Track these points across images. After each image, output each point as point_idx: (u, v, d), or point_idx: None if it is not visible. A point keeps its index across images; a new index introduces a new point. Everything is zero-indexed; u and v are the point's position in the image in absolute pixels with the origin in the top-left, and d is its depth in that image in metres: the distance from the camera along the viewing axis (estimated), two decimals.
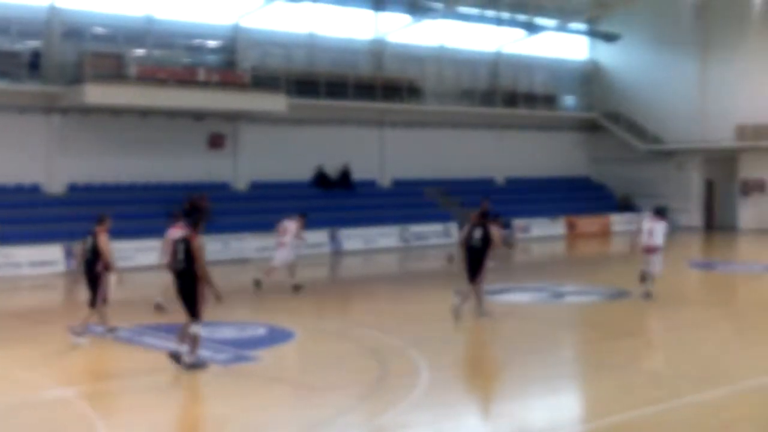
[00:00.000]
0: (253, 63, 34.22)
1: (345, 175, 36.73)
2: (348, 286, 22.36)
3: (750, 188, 41.03)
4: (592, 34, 46.16)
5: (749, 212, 41.28)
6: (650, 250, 18.86)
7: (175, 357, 12.35)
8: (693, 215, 42.84)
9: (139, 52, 32.14)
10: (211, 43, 34.66)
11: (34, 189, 29.95)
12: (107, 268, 14.57)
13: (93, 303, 14.67)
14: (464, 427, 10.21)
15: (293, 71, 35.23)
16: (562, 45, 46.02)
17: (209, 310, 13.06)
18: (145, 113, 31.69)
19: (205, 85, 31.49)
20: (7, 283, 23.97)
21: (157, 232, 28.65)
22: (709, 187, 43.57)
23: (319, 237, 31.94)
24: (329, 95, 35.76)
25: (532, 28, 43.11)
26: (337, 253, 32.30)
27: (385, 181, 38.78)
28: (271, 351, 14.10)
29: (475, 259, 16.75)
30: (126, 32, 31.95)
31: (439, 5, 39.48)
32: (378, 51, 38.80)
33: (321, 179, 36.13)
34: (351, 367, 12.95)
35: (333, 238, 32.62)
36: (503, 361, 13.58)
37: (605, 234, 40.80)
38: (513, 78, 43.76)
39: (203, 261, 12.25)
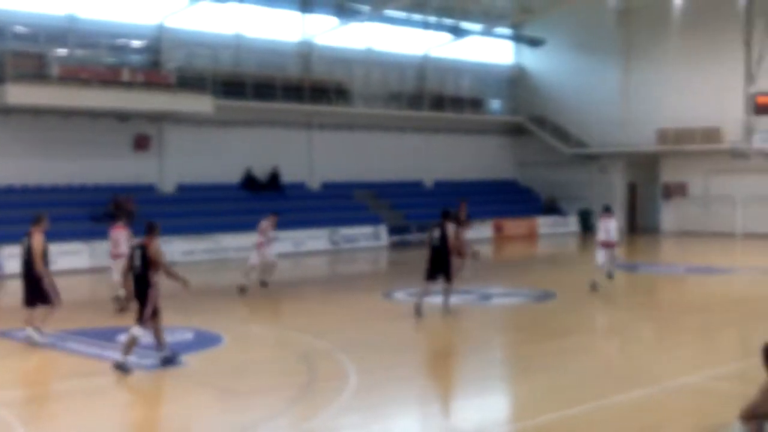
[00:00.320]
0: (178, 63, 33.82)
1: (274, 178, 36.53)
2: (277, 290, 22.20)
3: (671, 191, 42.01)
4: (517, 39, 46.77)
5: (671, 215, 42.27)
6: (607, 245, 21.48)
7: (169, 360, 12.76)
8: (616, 218, 43.59)
9: (62, 51, 31.53)
10: (136, 43, 34.13)
11: None
12: (39, 268, 14.33)
13: (29, 302, 14.42)
14: (393, 429, 10.22)
15: (220, 72, 34.94)
16: (489, 49, 46.53)
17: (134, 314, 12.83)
18: (68, 114, 31.05)
19: (130, 85, 31.02)
20: None
21: (81, 235, 28.35)
22: (632, 191, 44.51)
23: (247, 240, 31.65)
24: (257, 97, 35.54)
25: (458, 32, 43.48)
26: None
27: (314, 183, 38.67)
28: (199, 356, 13.92)
29: (436, 258, 17.35)
30: (48, 31, 31.29)
31: (366, 8, 39.56)
32: (306, 53, 38.70)
33: (249, 181, 35.86)
34: (279, 371, 12.87)
35: None
36: (431, 364, 13.64)
37: (532, 236, 41.35)
38: (440, 81, 44.09)
39: (164, 262, 12.64)
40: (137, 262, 12.55)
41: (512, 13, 44.87)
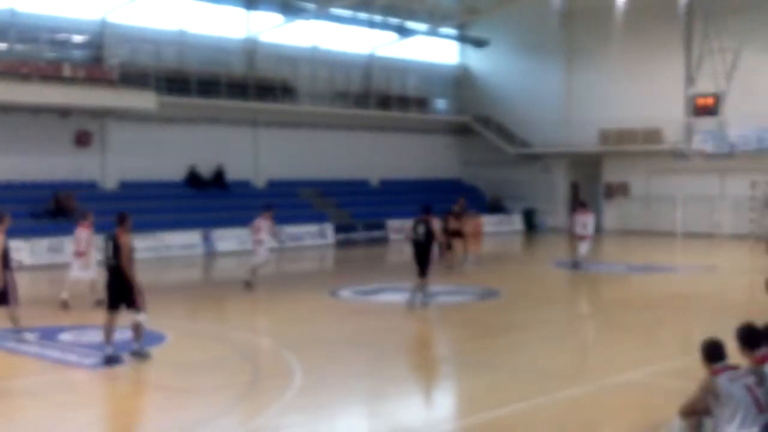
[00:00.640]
0: (121, 59, 33.38)
1: (219, 175, 36.25)
2: (222, 288, 22.03)
3: (613, 191, 42.61)
4: (462, 39, 47.07)
5: (613, 214, 42.86)
6: (582, 237, 24.21)
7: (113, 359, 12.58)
8: (559, 217, 44.19)
9: (2, 46, 30.95)
10: (77, 38, 33.58)
11: None
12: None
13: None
14: (338, 427, 10.20)
15: (163, 68, 34.58)
16: (434, 49, 46.73)
17: (77, 312, 12.65)
18: (8, 109, 30.42)
19: (71, 81, 30.56)
20: None
21: (21, 232, 27.77)
22: (575, 190, 45.03)
23: (191, 238, 31.43)
24: (201, 94, 35.24)
25: (403, 31, 43.61)
26: (211, 254, 31.82)
27: (259, 181, 38.46)
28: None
29: (420, 253, 18.09)
30: None
31: (312, 6, 39.47)
32: (250, 50, 38.48)
33: (194, 179, 35.54)
34: (224, 369, 12.77)
35: (206, 239, 32.11)
36: (377, 361, 13.65)
37: (477, 235, 41.55)
38: (386, 80, 44.16)
39: (127, 256, 12.56)
40: (110, 252, 12.66)
41: (457, 13, 45.13)
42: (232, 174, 36.69)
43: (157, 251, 30.14)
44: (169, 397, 11.42)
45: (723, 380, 7.23)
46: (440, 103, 47.95)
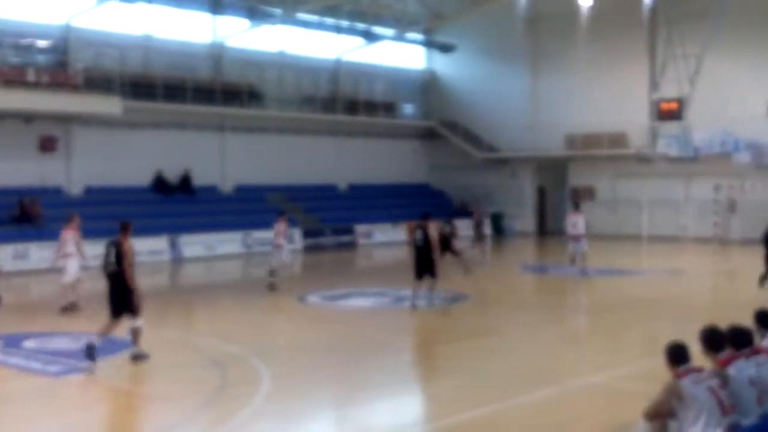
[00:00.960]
0: (86, 64, 33.05)
1: (185, 181, 36.03)
2: (189, 294, 21.90)
3: (579, 195, 42.85)
4: (429, 44, 47.21)
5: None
6: (576, 237, 24.72)
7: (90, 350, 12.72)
8: (526, 221, 44.45)
9: None
10: (41, 43, 33.20)
11: None
12: None
13: None
14: None
15: (128, 73, 34.32)
16: (401, 54, 46.82)
17: (43, 319, 12.53)
18: None
19: (35, 85, 30.22)
20: None
21: None
22: (541, 194, 45.31)
23: (158, 244, 31.20)
24: (167, 99, 35.00)
25: (370, 36, 43.66)
26: (177, 260, 31.63)
27: (226, 186, 38.30)
28: (107, 361, 13.62)
29: (420, 257, 18.73)
30: None
31: (278, 11, 39.38)
32: (217, 55, 38.33)
33: (160, 184, 35.30)
34: (191, 376, 12.69)
35: (173, 245, 31.91)
36: (345, 367, 13.64)
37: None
38: (353, 86, 44.17)
39: (130, 263, 13.05)
40: (111, 258, 13.02)
41: (423, 18, 45.26)
42: (199, 179, 36.50)
43: None
44: (135, 404, 11.34)
45: (687, 383, 7.30)
46: (407, 108, 48.05)
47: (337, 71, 43.47)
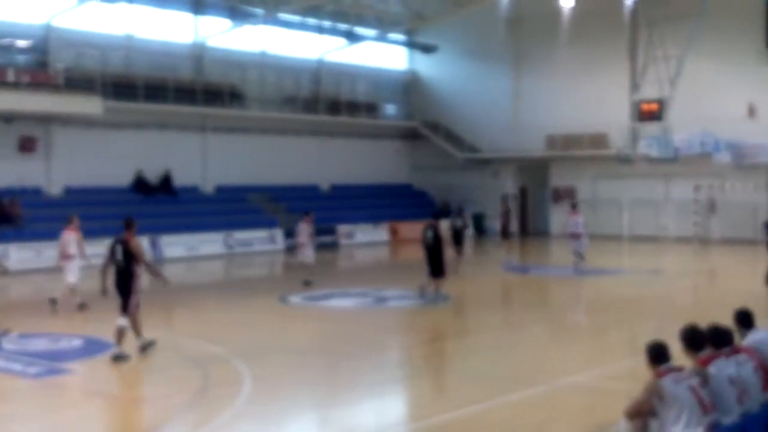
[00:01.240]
0: (66, 64, 32.85)
1: (166, 181, 35.89)
2: (170, 295, 21.76)
3: (560, 195, 43.04)
4: (411, 45, 47.25)
5: (560, 218, 43.19)
6: (576, 236, 25.76)
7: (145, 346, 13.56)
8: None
9: None
10: (22, 43, 32.93)
11: None
12: None
13: None
14: None
15: (109, 73, 34.12)
16: (383, 55, 46.83)
17: (22, 320, 12.44)
18: None
19: (15, 86, 30.01)
20: None
21: None
22: (523, 195, 45.43)
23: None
24: (148, 99, 34.83)
25: (352, 37, 43.65)
26: (159, 260, 31.41)
27: (207, 187, 38.17)
28: (87, 363, 13.58)
29: (431, 255, 19.45)
30: None
31: (260, 11, 39.29)
32: (198, 55, 38.19)
33: (141, 185, 35.14)
34: (172, 377, 12.64)
35: (154, 245, 31.74)
36: (327, 368, 13.63)
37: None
38: (335, 86, 44.12)
39: (144, 256, 13.65)
40: (119, 256, 13.33)
41: (406, 19, 45.27)
42: (180, 180, 36.35)
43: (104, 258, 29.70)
44: (114, 406, 11.29)
45: (668, 382, 7.33)
46: (389, 109, 48.05)
47: (319, 71, 43.43)
